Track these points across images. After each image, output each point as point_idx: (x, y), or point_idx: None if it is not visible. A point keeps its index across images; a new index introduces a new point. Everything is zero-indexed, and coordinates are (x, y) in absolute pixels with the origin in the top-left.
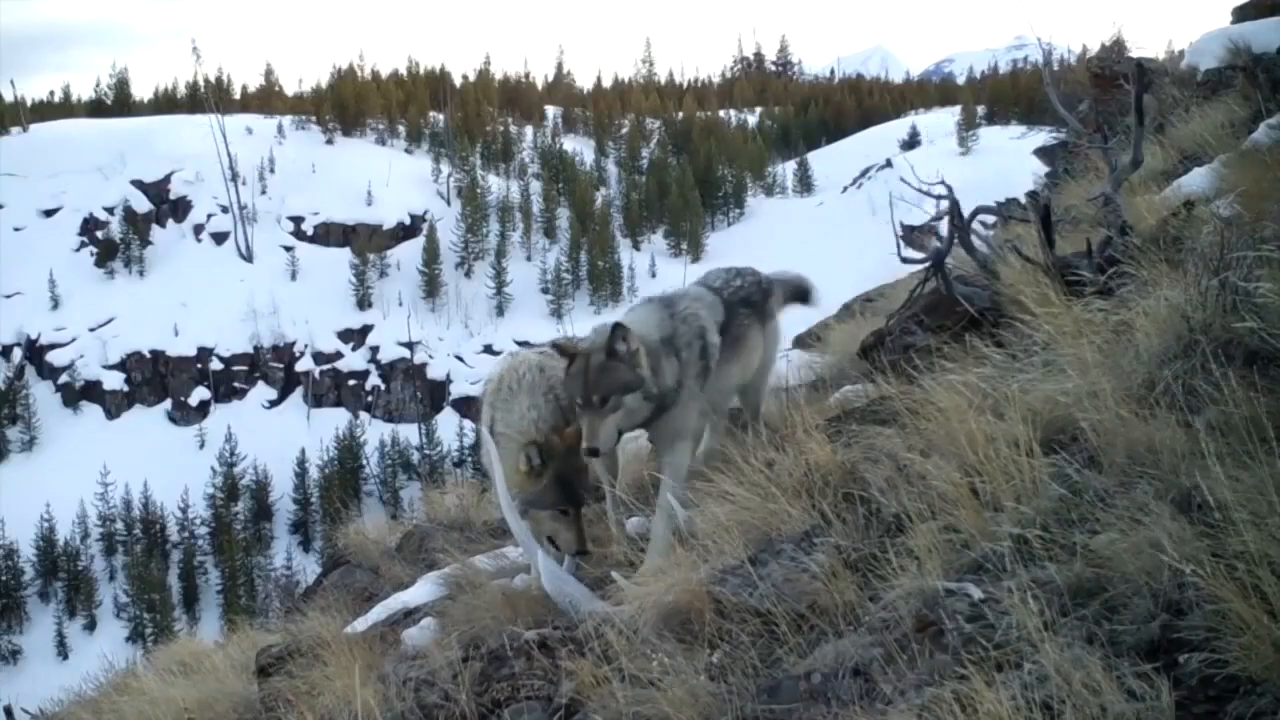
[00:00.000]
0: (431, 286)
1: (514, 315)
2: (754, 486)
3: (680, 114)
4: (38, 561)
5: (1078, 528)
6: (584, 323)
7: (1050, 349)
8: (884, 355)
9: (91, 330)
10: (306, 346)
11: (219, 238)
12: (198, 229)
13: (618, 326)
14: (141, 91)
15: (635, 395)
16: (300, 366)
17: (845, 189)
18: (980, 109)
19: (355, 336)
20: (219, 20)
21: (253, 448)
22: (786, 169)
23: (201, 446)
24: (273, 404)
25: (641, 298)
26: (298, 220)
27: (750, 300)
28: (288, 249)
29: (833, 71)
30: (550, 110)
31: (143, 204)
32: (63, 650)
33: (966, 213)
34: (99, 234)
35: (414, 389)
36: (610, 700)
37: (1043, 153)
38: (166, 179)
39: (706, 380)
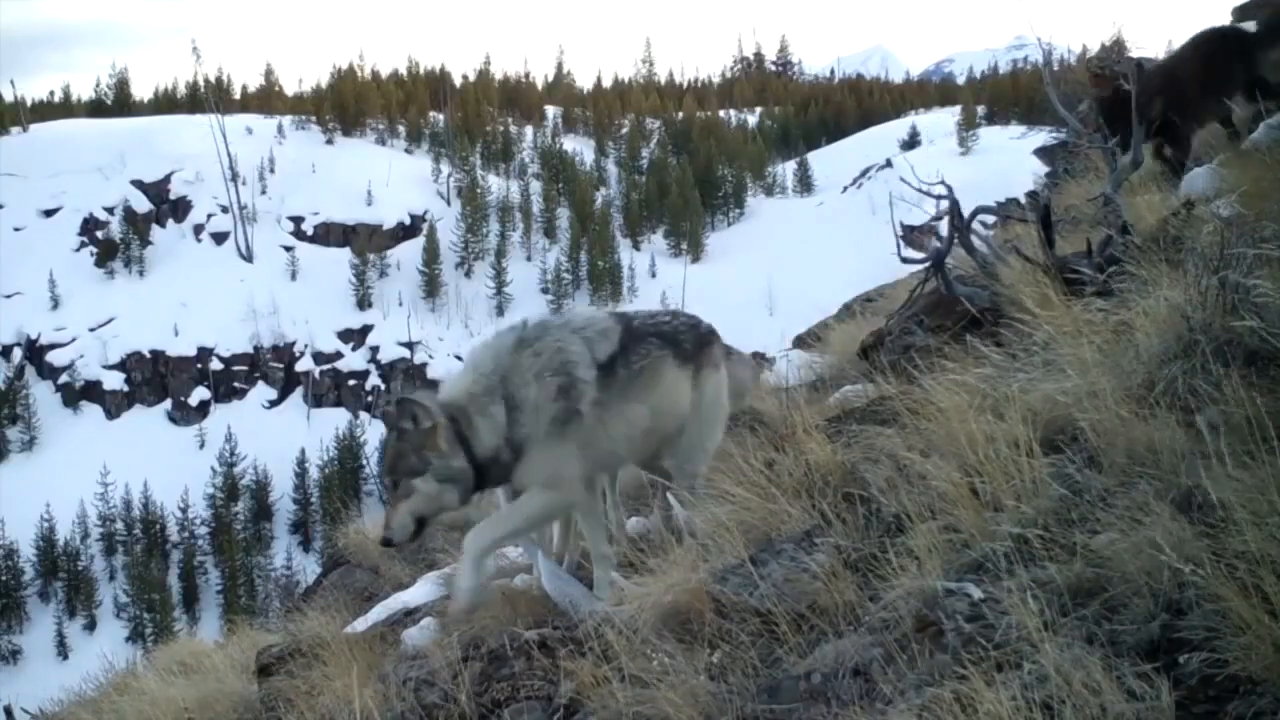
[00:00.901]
0: (431, 286)
1: (514, 315)
2: (754, 486)
3: (680, 114)
4: (38, 561)
5: (1078, 528)
6: None
7: (1050, 349)
8: (884, 355)
9: (91, 330)
10: (306, 346)
11: (219, 238)
12: (198, 229)
13: (404, 403)
14: (141, 91)
15: (427, 479)
16: (300, 366)
17: (845, 189)
18: (980, 109)
19: (355, 336)
20: (219, 20)
21: (253, 448)
22: (786, 169)
23: (201, 446)
24: (273, 404)
25: (506, 325)
26: (298, 220)
27: (673, 338)
28: (288, 249)
29: (833, 71)
30: (550, 110)
31: (143, 204)
32: (63, 650)
33: (966, 213)
34: (99, 234)
35: (414, 389)
36: (610, 700)
37: (1043, 153)
38: (166, 179)
39: (575, 425)
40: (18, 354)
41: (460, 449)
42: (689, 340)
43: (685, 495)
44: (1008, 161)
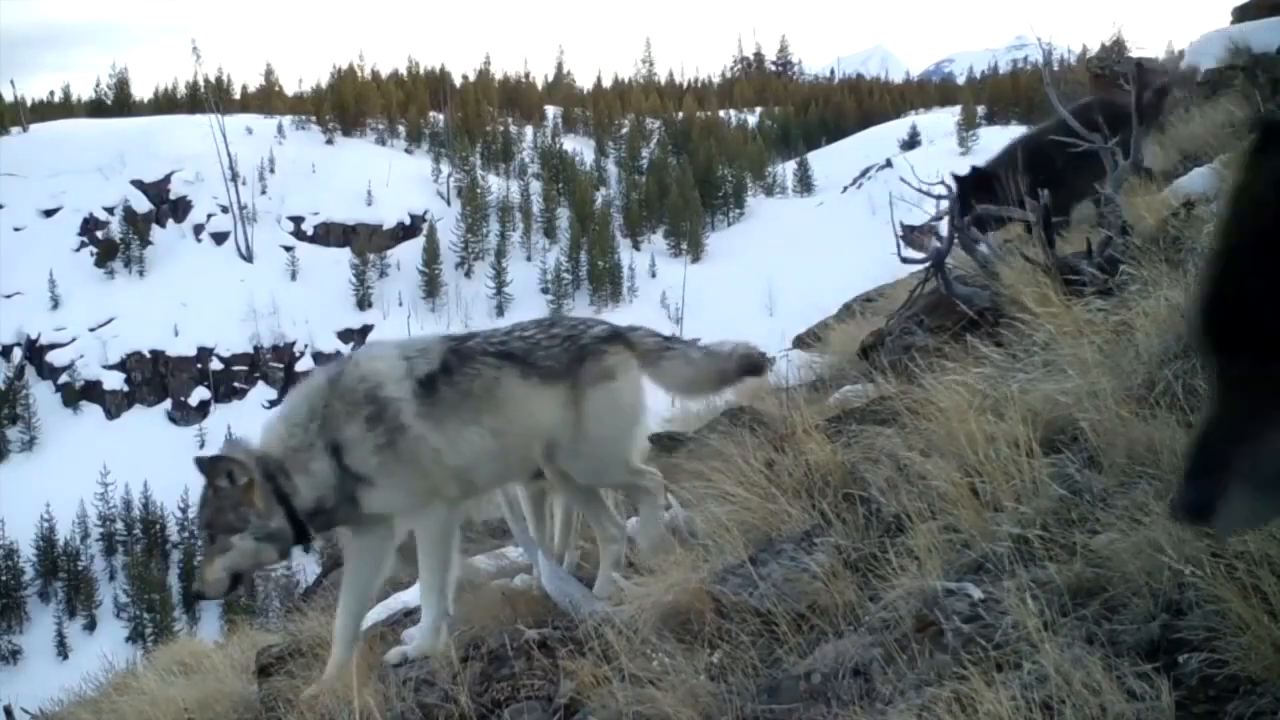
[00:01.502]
0: (431, 286)
1: (514, 315)
2: (754, 486)
3: (680, 114)
4: (38, 561)
5: (1078, 528)
6: None
7: (1050, 349)
8: (884, 355)
9: (91, 330)
10: (306, 346)
11: (219, 238)
12: (198, 229)
13: (219, 460)
14: (141, 91)
15: (245, 536)
16: (300, 366)
17: (845, 189)
18: (980, 109)
19: (355, 336)
20: (219, 20)
21: None
22: (786, 169)
23: (201, 446)
24: (273, 404)
25: (320, 368)
26: (298, 220)
27: (525, 355)
28: (288, 249)
29: (833, 71)
30: (550, 110)
31: (143, 204)
32: (63, 650)
33: None
34: (99, 234)
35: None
36: (610, 700)
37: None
38: (166, 179)
39: (405, 441)
40: (18, 354)
41: (279, 506)
42: (555, 355)
43: (681, 494)
44: None
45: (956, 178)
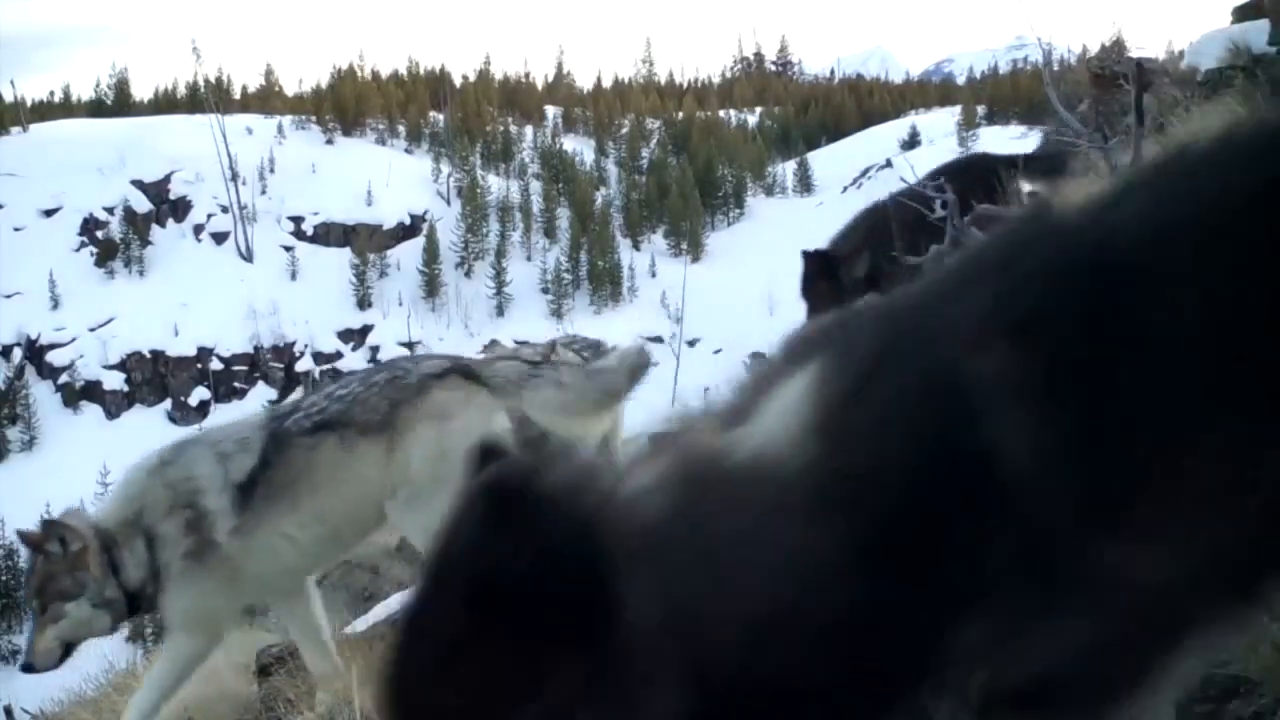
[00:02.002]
0: (431, 286)
1: (514, 315)
2: None
3: (680, 114)
4: None
5: None
6: (584, 323)
7: None
8: None
9: (91, 330)
10: (306, 346)
11: (219, 238)
12: (198, 229)
13: (50, 525)
14: (141, 91)
15: (81, 603)
16: (300, 366)
17: (845, 189)
18: (980, 109)
19: (355, 336)
20: (219, 20)
21: None
22: (786, 169)
23: None
24: (273, 404)
25: (162, 448)
26: (298, 220)
27: (341, 418)
28: (288, 249)
29: (833, 71)
30: (550, 110)
31: (143, 204)
32: None
33: None
34: (99, 234)
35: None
36: None
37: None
38: (166, 179)
39: (214, 558)
40: (18, 354)
41: (113, 576)
42: (374, 405)
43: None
44: None
45: (805, 254)
